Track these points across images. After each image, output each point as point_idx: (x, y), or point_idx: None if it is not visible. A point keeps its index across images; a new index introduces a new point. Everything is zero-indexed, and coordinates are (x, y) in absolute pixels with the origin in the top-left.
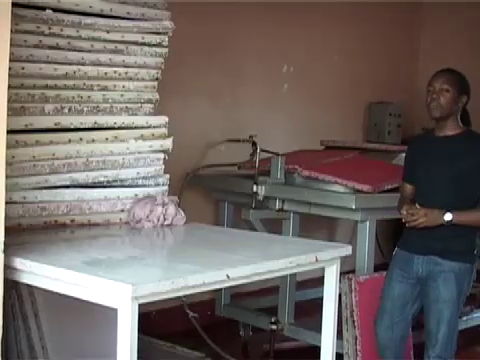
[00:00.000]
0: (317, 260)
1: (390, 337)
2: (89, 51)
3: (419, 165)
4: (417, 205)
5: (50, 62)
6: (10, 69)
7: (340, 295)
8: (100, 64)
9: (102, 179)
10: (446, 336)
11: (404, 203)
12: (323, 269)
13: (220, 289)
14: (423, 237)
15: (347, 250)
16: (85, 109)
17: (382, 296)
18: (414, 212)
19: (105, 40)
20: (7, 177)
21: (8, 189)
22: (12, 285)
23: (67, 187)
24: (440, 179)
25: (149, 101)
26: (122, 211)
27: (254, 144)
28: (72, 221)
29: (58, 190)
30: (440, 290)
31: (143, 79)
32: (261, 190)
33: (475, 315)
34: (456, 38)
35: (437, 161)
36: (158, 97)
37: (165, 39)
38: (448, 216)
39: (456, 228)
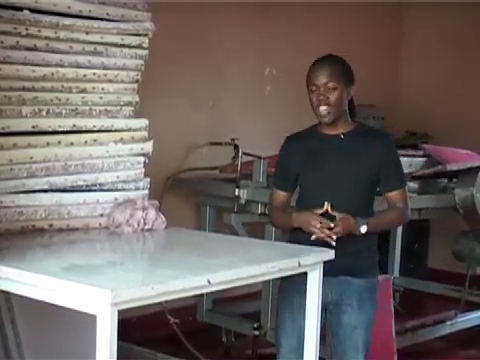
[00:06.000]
0: (300, 265)
1: None
2: (67, 53)
3: (307, 169)
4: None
5: (27, 64)
6: None
7: None
8: (79, 66)
9: (81, 183)
10: None
11: (309, 214)
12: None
13: (202, 294)
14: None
15: (329, 254)
16: (63, 112)
17: (281, 332)
18: (334, 224)
19: (84, 41)
20: None
21: None
22: None
23: (45, 191)
24: (341, 183)
25: (129, 103)
26: (101, 215)
27: (236, 147)
28: (50, 226)
29: (36, 194)
30: (357, 314)
31: (123, 81)
32: (243, 194)
33: (459, 320)
34: (438, 38)
35: (334, 163)
36: (138, 99)
37: (145, 41)
38: (364, 227)
39: (364, 240)
